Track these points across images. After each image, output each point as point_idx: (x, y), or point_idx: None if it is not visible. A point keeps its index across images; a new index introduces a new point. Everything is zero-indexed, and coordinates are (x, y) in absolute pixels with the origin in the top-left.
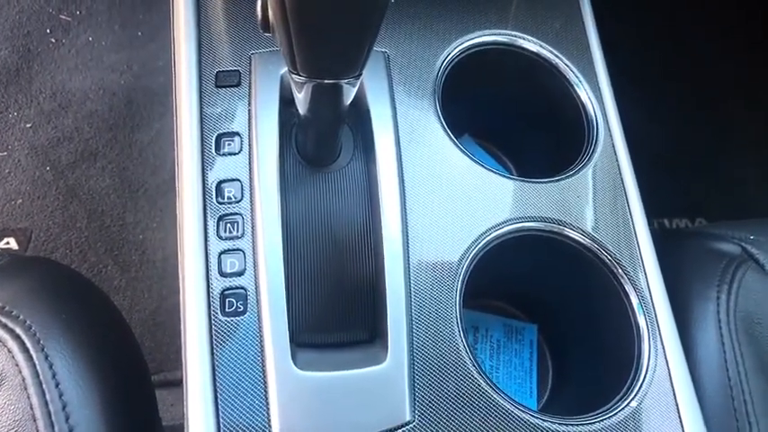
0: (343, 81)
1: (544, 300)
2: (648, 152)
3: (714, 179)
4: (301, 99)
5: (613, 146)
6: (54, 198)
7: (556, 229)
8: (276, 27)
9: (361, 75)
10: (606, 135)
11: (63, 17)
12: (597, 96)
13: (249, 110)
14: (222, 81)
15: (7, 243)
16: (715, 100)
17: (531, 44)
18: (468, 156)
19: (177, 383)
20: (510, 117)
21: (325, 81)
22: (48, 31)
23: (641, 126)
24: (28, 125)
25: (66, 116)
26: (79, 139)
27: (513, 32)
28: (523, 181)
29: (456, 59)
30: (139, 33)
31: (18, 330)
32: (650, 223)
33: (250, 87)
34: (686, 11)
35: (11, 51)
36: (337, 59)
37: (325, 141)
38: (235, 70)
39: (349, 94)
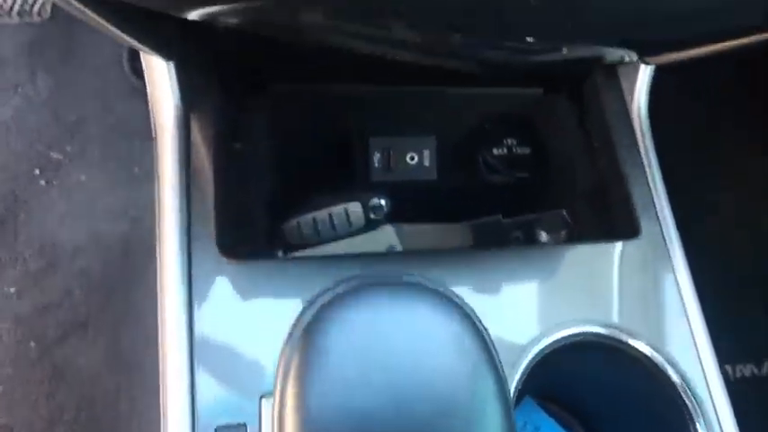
0: None
1: None
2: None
3: None
4: None
5: None
6: (39, 383)
7: None
8: None
9: None
10: None
11: (54, 155)
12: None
13: None
14: None
15: None
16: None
17: (632, 339)
18: None
19: None
20: (585, 392)
21: None
22: (37, 172)
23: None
24: (12, 290)
25: (54, 276)
26: (69, 305)
27: (612, 324)
28: None
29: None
30: (136, 169)
31: None
32: None
33: None
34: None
35: None
36: None
37: None
38: (240, 424)
39: None
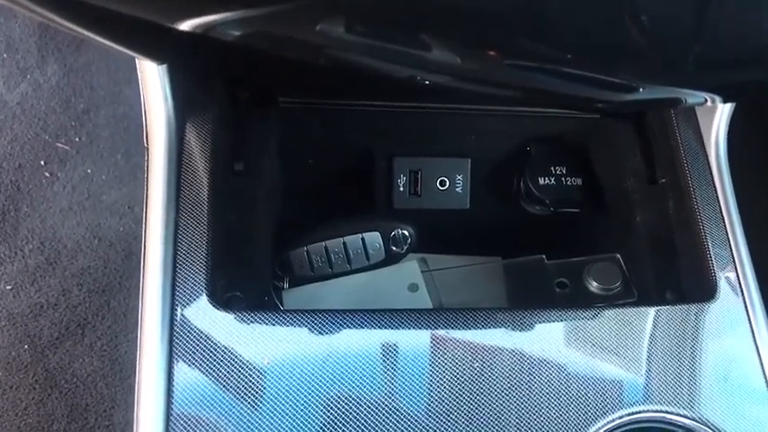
0: None
1: None
2: None
3: None
4: None
5: None
6: (30, 388)
7: None
8: None
9: None
10: None
11: (60, 146)
12: None
13: None
14: None
15: None
16: None
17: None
18: None
19: None
20: None
21: None
22: (42, 162)
23: None
24: (8, 287)
25: (53, 275)
26: (66, 306)
27: (681, 408)
28: None
29: None
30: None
31: None
32: None
33: None
34: None
35: None
36: None
37: None
38: None
39: None
